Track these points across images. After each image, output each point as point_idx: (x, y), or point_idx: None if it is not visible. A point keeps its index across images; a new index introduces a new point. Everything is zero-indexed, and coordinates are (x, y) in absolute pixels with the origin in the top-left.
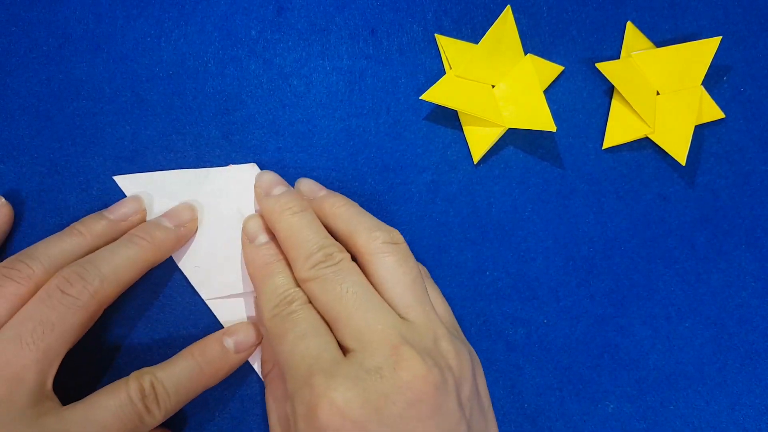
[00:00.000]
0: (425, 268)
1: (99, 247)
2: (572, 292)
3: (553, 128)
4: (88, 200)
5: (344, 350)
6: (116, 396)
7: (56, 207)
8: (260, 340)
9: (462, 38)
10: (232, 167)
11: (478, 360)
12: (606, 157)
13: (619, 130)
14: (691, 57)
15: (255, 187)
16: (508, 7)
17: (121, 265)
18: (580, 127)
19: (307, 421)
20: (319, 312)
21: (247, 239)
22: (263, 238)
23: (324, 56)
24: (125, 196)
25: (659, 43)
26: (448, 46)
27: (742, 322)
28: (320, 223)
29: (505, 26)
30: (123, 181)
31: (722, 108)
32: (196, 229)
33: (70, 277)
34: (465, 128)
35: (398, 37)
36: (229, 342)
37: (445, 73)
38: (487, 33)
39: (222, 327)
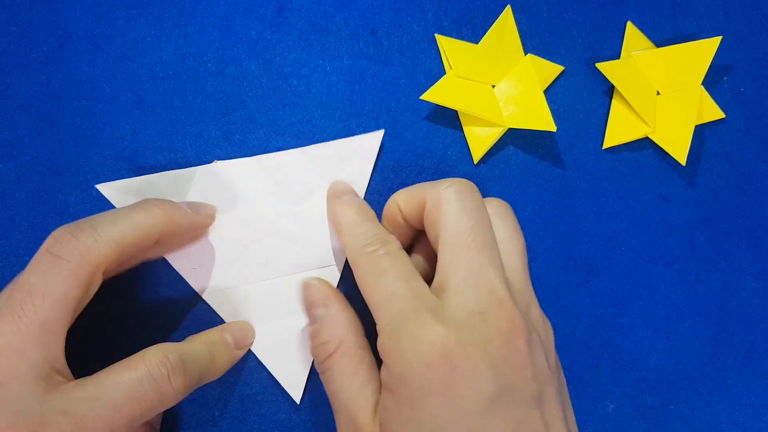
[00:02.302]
0: (508, 205)
1: None
2: (572, 292)
3: (553, 128)
4: (88, 200)
5: (438, 291)
6: (132, 371)
7: (56, 207)
8: (253, 338)
9: (462, 38)
10: (217, 163)
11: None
12: (606, 157)
13: (619, 130)
14: (691, 57)
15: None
16: (508, 7)
17: (122, 225)
18: (580, 127)
19: (413, 352)
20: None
21: (334, 195)
22: (352, 198)
23: (324, 56)
24: (111, 204)
25: (659, 43)
26: (448, 46)
27: (742, 322)
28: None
29: (505, 26)
30: (106, 189)
31: (722, 108)
32: (209, 225)
33: (62, 237)
34: (465, 128)
35: (398, 37)
36: (228, 337)
37: (445, 73)
38: (487, 33)
39: (223, 322)
